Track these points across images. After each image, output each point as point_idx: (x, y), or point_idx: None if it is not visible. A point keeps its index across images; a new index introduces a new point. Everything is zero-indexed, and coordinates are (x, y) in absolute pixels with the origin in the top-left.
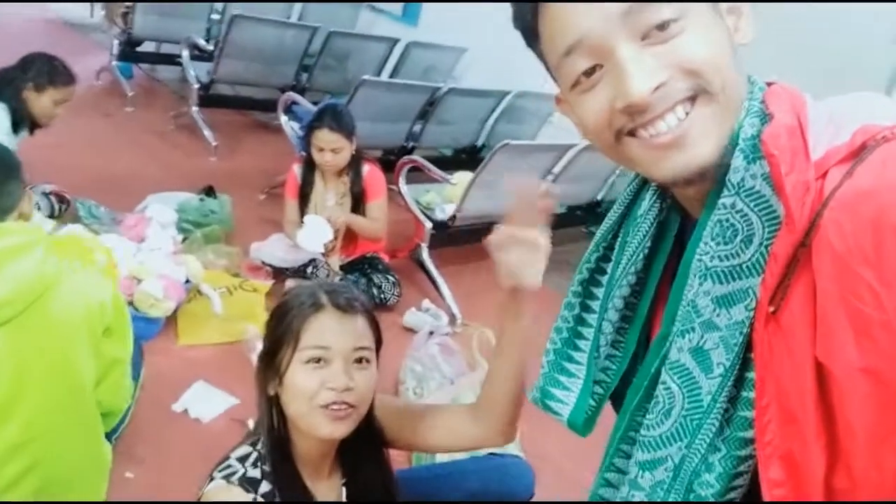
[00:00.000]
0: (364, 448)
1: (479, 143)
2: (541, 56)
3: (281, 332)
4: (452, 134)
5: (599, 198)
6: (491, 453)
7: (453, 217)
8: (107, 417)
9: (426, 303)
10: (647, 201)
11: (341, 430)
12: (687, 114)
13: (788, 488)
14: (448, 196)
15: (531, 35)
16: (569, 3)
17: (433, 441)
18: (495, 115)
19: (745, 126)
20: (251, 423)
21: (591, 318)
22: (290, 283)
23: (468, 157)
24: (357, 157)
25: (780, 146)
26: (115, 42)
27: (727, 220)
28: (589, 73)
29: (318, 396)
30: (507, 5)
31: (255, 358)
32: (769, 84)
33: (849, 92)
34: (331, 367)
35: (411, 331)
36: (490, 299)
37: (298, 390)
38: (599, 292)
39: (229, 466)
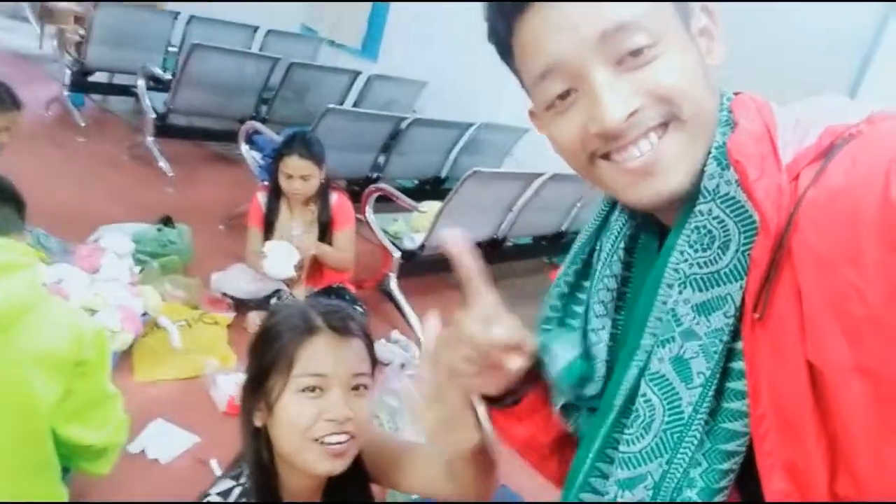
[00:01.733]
0: (350, 483)
1: (443, 174)
2: (514, 71)
3: (271, 358)
4: (416, 165)
5: (564, 228)
6: None
7: (422, 246)
8: (101, 457)
9: (395, 334)
10: (619, 209)
11: (340, 465)
12: (659, 138)
13: (794, 499)
14: (415, 225)
15: (506, 51)
16: (544, 26)
17: (415, 486)
18: (458, 146)
19: (717, 136)
20: (214, 464)
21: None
22: (252, 316)
23: (432, 189)
24: (325, 185)
25: (745, 153)
26: (67, 72)
27: (704, 227)
28: (563, 96)
29: (313, 429)
30: (466, 39)
31: (216, 393)
32: (736, 94)
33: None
34: (328, 397)
35: (381, 364)
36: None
37: (292, 422)
38: (580, 309)
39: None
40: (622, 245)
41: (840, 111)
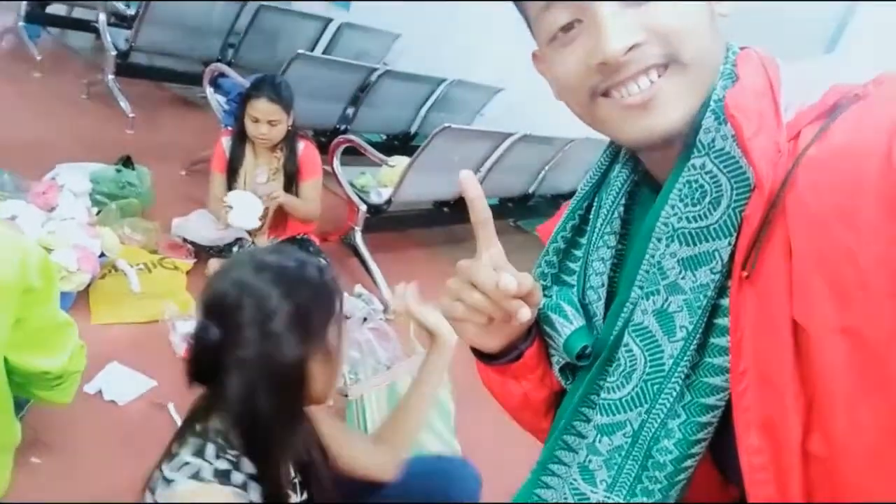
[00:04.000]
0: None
1: (412, 130)
2: (521, 10)
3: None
4: (385, 119)
5: (531, 191)
6: (437, 455)
7: (389, 201)
8: (59, 385)
9: (359, 288)
10: (620, 164)
11: None
12: (659, 77)
13: (768, 455)
14: (383, 180)
15: None
16: None
17: (340, 463)
18: (429, 102)
19: (717, 88)
20: (172, 408)
21: (567, 292)
22: (213, 263)
23: (400, 144)
24: (292, 132)
25: (743, 108)
26: (23, 2)
27: (696, 181)
28: (567, 28)
29: None
30: None
31: (175, 338)
32: (742, 48)
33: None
34: None
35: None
36: (424, 287)
37: None
38: (576, 266)
39: (187, 464)
40: (623, 202)
41: (847, 74)
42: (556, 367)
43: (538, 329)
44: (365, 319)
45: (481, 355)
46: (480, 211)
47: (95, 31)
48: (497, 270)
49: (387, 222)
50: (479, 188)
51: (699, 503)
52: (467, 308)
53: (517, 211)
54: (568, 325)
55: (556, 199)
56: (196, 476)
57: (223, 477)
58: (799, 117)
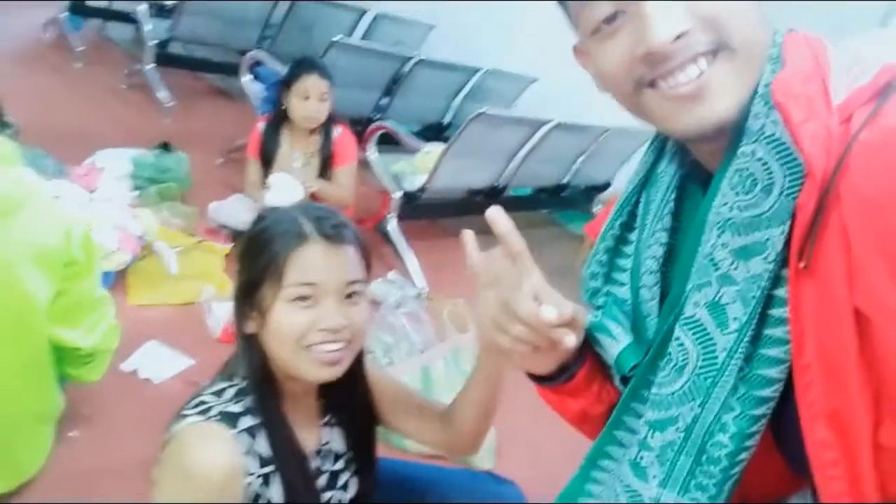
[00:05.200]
0: (352, 395)
1: (446, 120)
2: (562, 3)
3: (261, 267)
4: (419, 109)
5: (565, 181)
6: (488, 472)
7: (423, 188)
8: (92, 363)
9: (392, 274)
10: (667, 158)
11: (333, 373)
12: (708, 65)
13: (838, 450)
14: (417, 167)
15: None
16: None
17: (410, 430)
18: (464, 92)
19: (765, 73)
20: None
21: (619, 291)
22: None
23: (434, 135)
24: (330, 117)
25: (791, 93)
26: None
27: (746, 170)
28: (610, 19)
29: (306, 337)
30: None
31: (211, 321)
32: (789, 32)
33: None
34: (322, 306)
35: (376, 302)
36: (457, 275)
37: (285, 332)
38: (627, 263)
39: (203, 402)
40: (672, 197)
41: None
42: (616, 379)
43: (590, 347)
44: (398, 305)
45: (535, 377)
46: (513, 243)
47: (135, 22)
48: (539, 299)
49: (420, 210)
50: (509, 221)
51: (767, 493)
52: (512, 339)
53: (551, 201)
54: (616, 343)
55: (591, 191)
56: (203, 413)
57: (229, 419)
58: (850, 100)
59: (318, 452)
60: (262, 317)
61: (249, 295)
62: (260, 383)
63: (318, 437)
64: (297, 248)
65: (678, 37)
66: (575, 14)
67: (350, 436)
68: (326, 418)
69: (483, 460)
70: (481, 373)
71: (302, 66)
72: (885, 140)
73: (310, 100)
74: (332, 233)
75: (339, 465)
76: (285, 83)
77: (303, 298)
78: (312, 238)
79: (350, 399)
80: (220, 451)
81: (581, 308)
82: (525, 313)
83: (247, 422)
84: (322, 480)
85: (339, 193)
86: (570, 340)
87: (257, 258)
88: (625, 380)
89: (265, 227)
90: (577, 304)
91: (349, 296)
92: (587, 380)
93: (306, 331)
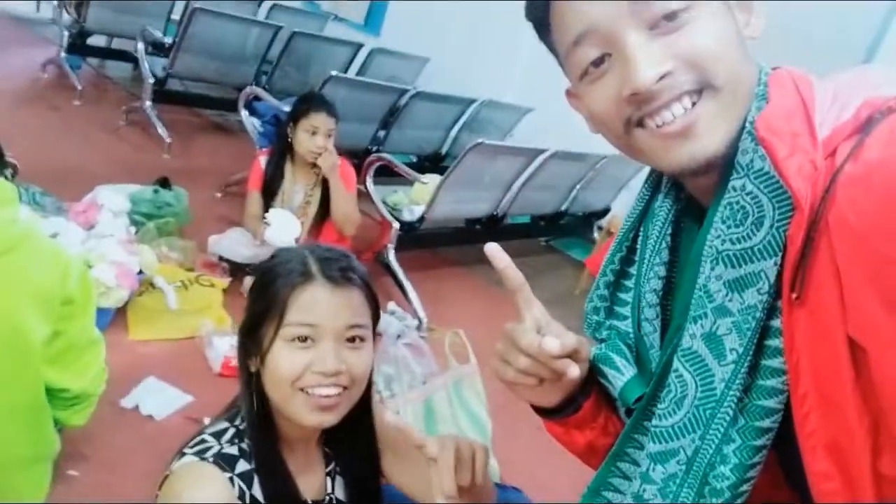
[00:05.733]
0: (357, 444)
1: (443, 151)
2: (551, 48)
3: (265, 303)
4: (416, 140)
5: (563, 209)
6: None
7: (422, 218)
8: (78, 406)
9: (392, 305)
10: (663, 193)
11: (328, 419)
12: (694, 104)
13: (838, 481)
14: (415, 198)
15: (542, 27)
16: None
17: (402, 482)
18: (460, 123)
19: (752, 110)
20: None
21: (622, 324)
22: (248, 281)
23: (431, 165)
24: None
25: (774, 130)
26: (65, 34)
27: (737, 203)
28: (597, 62)
29: (301, 379)
30: (468, 17)
31: (211, 354)
32: (774, 69)
33: (828, 70)
34: (319, 348)
35: (378, 334)
36: (457, 305)
37: (280, 372)
38: (628, 297)
39: (203, 442)
40: (669, 231)
41: (888, 83)
42: (621, 411)
43: (595, 379)
44: (399, 336)
45: (541, 410)
46: (513, 278)
47: (133, 60)
48: (541, 331)
49: (419, 240)
50: (507, 257)
51: None
52: (516, 372)
53: (549, 229)
54: (620, 376)
55: (589, 218)
56: (199, 454)
57: (225, 461)
58: (834, 134)
59: (321, 502)
60: (262, 356)
61: (253, 332)
62: (257, 426)
63: (322, 486)
64: (300, 287)
65: (662, 77)
66: (564, 58)
67: (351, 486)
68: (331, 466)
69: None
70: None
71: (312, 102)
72: (869, 173)
73: (317, 136)
74: (338, 275)
75: None
76: (292, 118)
77: (302, 339)
78: (317, 279)
79: (352, 447)
80: (210, 494)
81: (584, 339)
82: (526, 345)
83: (243, 465)
84: None
85: (347, 208)
86: (574, 371)
87: (262, 295)
88: (629, 412)
89: (273, 266)
90: (578, 331)
91: (351, 339)
92: (593, 412)
93: (301, 372)
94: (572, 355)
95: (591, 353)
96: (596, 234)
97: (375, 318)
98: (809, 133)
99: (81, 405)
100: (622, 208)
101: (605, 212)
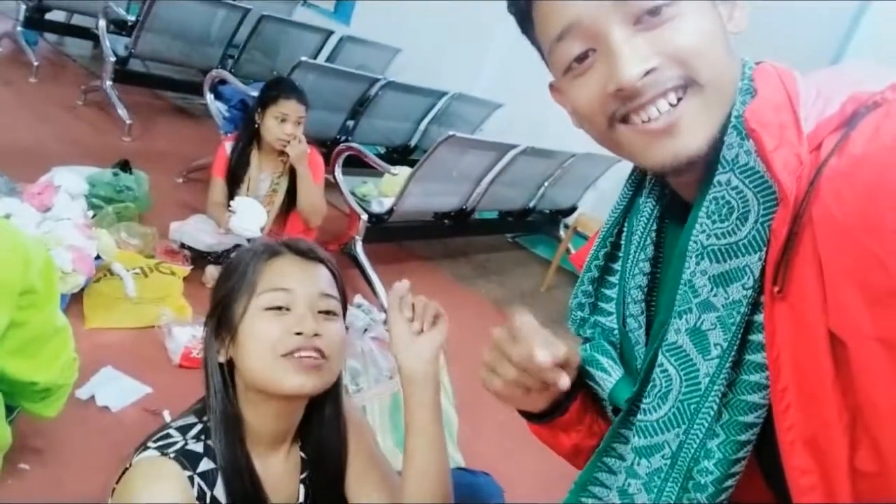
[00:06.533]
0: (328, 437)
1: (412, 143)
2: (534, 42)
3: (233, 283)
4: (385, 132)
5: (531, 205)
6: (460, 468)
7: (391, 210)
8: (49, 398)
9: (358, 298)
10: (647, 189)
11: (311, 383)
12: (679, 99)
13: (816, 474)
14: (384, 190)
15: (525, 21)
16: None
17: (351, 491)
18: (430, 115)
19: (737, 104)
20: (167, 415)
21: (606, 321)
22: (210, 270)
23: (400, 157)
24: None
25: (763, 122)
26: (22, 7)
27: (723, 198)
28: (581, 58)
29: (280, 345)
30: (440, 8)
31: (171, 345)
32: (758, 63)
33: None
34: (294, 313)
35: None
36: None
37: (257, 340)
38: (612, 293)
39: (168, 437)
40: (654, 227)
41: (869, 79)
42: (608, 411)
43: (580, 381)
44: (366, 329)
45: (526, 414)
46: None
47: (94, 38)
48: (530, 341)
49: (386, 233)
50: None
51: None
52: (505, 383)
53: (516, 225)
54: (608, 377)
55: (556, 216)
56: (162, 448)
57: (187, 458)
58: (819, 128)
59: None
60: (233, 336)
61: (222, 316)
62: (225, 420)
63: (294, 494)
64: (270, 259)
65: (647, 73)
66: (547, 53)
67: (315, 483)
68: (306, 474)
69: None
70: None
71: (281, 88)
72: (854, 167)
73: (286, 123)
74: (305, 250)
75: None
76: (261, 103)
77: (276, 308)
78: (285, 253)
79: (320, 440)
80: (165, 492)
81: (573, 348)
82: (518, 358)
83: (207, 464)
84: None
85: (313, 199)
86: (564, 382)
87: (230, 276)
88: (616, 410)
89: (238, 253)
90: (544, 325)
91: (325, 312)
92: (579, 414)
93: (279, 336)
94: (562, 364)
95: (579, 357)
96: (562, 232)
97: (344, 301)
98: (795, 126)
99: (52, 397)
100: (589, 207)
101: (572, 210)
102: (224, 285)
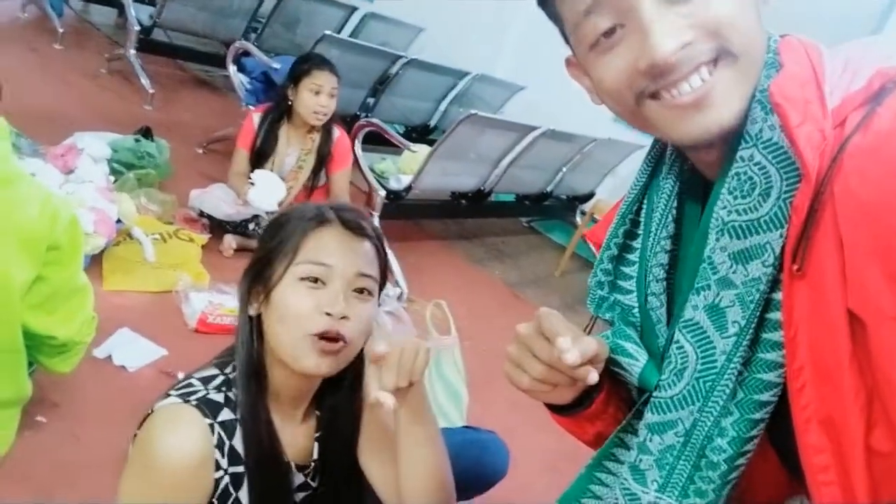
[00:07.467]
0: (344, 403)
1: (432, 123)
2: (553, 17)
3: (276, 243)
4: (406, 110)
5: (549, 189)
6: (467, 426)
7: (409, 188)
8: (66, 353)
9: None
10: (667, 165)
11: (327, 365)
12: (711, 74)
13: (830, 453)
14: (403, 167)
15: None
16: None
17: (370, 470)
18: (451, 95)
19: (762, 78)
20: (181, 377)
21: (626, 299)
22: (228, 239)
23: (419, 137)
24: (331, 116)
25: (788, 96)
26: None
27: (745, 174)
28: (609, 33)
29: (309, 321)
30: None
31: (187, 310)
32: (783, 37)
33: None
34: (328, 290)
35: None
36: (438, 278)
37: (288, 311)
38: (631, 270)
39: (190, 385)
40: (675, 204)
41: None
42: (634, 393)
43: (606, 371)
44: (380, 304)
45: (552, 406)
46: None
47: (118, 7)
48: (557, 339)
49: (402, 211)
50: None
51: (764, 499)
52: (532, 380)
53: (533, 209)
54: (636, 363)
55: (573, 202)
56: (185, 396)
57: (208, 406)
58: (844, 103)
59: (306, 467)
60: (267, 296)
61: (259, 272)
62: (249, 373)
63: (309, 452)
64: (316, 227)
65: (681, 48)
66: (572, 28)
67: (328, 443)
68: (321, 433)
69: None
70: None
71: (313, 61)
72: (879, 144)
73: (320, 95)
74: (353, 222)
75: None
76: (292, 78)
77: (312, 280)
78: (333, 222)
79: (336, 409)
80: (185, 437)
81: (602, 343)
82: (546, 357)
83: (227, 414)
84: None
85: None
86: (593, 377)
87: (274, 234)
88: (641, 392)
89: (287, 212)
90: (557, 309)
91: (359, 290)
92: (605, 404)
93: (310, 312)
94: (591, 360)
95: (607, 349)
96: (578, 219)
97: (383, 279)
98: (820, 102)
99: (69, 353)
100: (607, 193)
101: (590, 196)
102: (267, 243)
